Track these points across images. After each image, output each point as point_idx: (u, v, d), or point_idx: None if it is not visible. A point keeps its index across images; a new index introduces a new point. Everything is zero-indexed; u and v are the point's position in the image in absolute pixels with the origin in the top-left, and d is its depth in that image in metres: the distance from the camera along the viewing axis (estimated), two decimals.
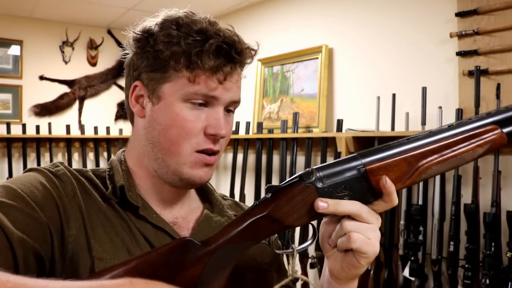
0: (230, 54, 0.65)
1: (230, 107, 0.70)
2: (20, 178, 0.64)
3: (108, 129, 3.61)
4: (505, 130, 0.61)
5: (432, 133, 0.61)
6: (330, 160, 2.39)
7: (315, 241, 0.63)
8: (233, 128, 2.94)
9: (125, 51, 0.73)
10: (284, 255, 0.65)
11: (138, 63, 0.69)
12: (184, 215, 0.74)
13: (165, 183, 0.70)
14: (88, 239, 0.63)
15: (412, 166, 0.59)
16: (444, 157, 0.60)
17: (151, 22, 0.69)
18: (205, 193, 0.80)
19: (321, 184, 0.59)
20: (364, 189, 0.59)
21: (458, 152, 0.60)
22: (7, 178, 3.18)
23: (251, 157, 2.89)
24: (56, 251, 0.60)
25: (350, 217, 0.60)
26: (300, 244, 0.64)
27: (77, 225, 0.63)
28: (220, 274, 0.58)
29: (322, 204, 0.59)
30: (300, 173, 0.61)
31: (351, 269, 0.61)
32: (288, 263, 0.63)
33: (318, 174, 0.59)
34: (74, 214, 0.64)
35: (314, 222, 0.63)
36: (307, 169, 0.61)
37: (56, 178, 0.65)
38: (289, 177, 2.39)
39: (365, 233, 0.59)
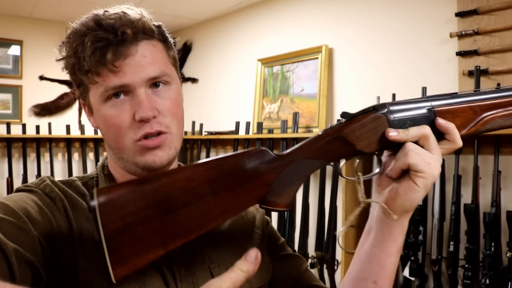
0: (108, 40, 0.63)
1: (156, 82, 0.67)
2: (12, 197, 0.65)
3: None
4: None
5: (498, 90, 0.66)
6: None
7: (381, 171, 0.65)
8: (233, 128, 2.94)
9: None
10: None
11: (72, 83, 0.72)
12: None
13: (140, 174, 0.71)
14: (76, 251, 0.64)
15: (478, 115, 0.64)
16: (508, 111, 0.64)
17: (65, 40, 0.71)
18: None
19: (392, 116, 0.63)
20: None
21: None
22: (7, 178, 3.19)
23: None
24: (47, 264, 0.61)
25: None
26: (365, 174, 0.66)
27: (68, 239, 0.64)
28: (290, 187, 0.60)
29: (393, 133, 0.62)
30: (374, 104, 0.64)
31: (408, 193, 0.62)
32: (357, 191, 0.65)
33: (390, 108, 0.63)
34: (65, 227, 0.65)
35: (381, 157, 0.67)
36: (382, 102, 0.64)
37: (46, 195, 0.67)
38: None
39: (425, 156, 0.61)
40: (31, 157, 3.38)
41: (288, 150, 0.62)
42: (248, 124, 2.84)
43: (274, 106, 2.88)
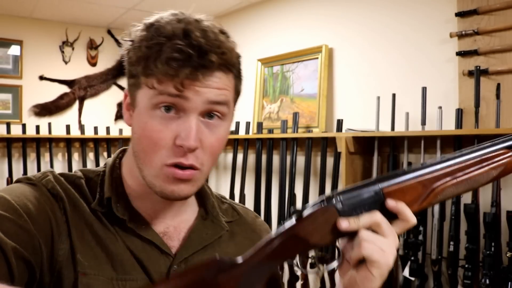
0: (190, 58, 0.58)
1: (213, 112, 0.62)
2: (14, 189, 0.63)
3: (108, 129, 3.61)
4: None
5: (445, 159, 0.65)
6: (329, 160, 2.40)
7: (340, 261, 0.65)
8: (233, 128, 2.94)
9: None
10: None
11: (125, 70, 0.67)
12: (176, 224, 0.71)
13: (152, 192, 0.66)
14: (74, 253, 0.62)
15: (427, 188, 0.63)
16: (458, 179, 0.63)
17: (139, 26, 0.66)
18: (201, 197, 0.76)
19: (341, 206, 0.62)
20: (381, 211, 0.64)
21: (471, 175, 0.64)
22: (7, 178, 3.19)
23: (251, 157, 2.89)
24: (45, 264, 0.60)
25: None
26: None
27: (66, 239, 0.63)
28: None
29: (344, 224, 0.61)
30: (322, 196, 0.64)
31: (365, 282, 0.61)
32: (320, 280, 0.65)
33: (339, 197, 0.63)
34: (64, 227, 0.63)
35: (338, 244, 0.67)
36: (329, 193, 0.64)
37: (48, 192, 0.64)
38: (289, 177, 2.38)
39: (379, 243, 0.60)
40: (31, 157, 3.38)
41: (244, 256, 0.62)
42: (248, 124, 2.84)
43: (274, 106, 2.88)
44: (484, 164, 0.64)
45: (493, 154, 0.64)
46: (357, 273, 0.62)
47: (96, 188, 0.68)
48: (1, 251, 0.54)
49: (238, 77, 0.66)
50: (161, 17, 0.64)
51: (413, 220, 0.62)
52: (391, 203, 0.62)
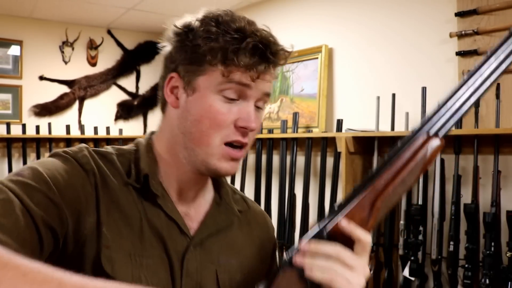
0: (265, 54, 0.67)
1: (259, 103, 0.72)
2: (47, 163, 0.66)
3: (108, 129, 3.61)
4: (432, 132, 0.66)
5: (371, 174, 0.64)
6: (329, 160, 2.40)
7: None
8: None
9: (163, 44, 0.76)
10: None
11: (176, 56, 0.72)
12: (196, 208, 0.76)
13: (191, 171, 0.72)
14: (100, 227, 0.66)
15: (367, 208, 0.62)
16: (386, 190, 0.62)
17: (192, 18, 0.72)
18: (217, 183, 0.81)
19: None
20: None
21: (399, 178, 0.62)
22: None
23: (251, 157, 2.89)
24: (70, 235, 0.63)
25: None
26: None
27: (94, 213, 0.66)
28: None
29: (308, 272, 0.58)
30: (288, 258, 0.63)
31: None
32: None
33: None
34: (93, 201, 0.66)
35: None
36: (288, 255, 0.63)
37: (80, 167, 0.67)
38: (289, 177, 2.37)
39: (349, 278, 0.58)
40: (31, 157, 3.38)
41: None
42: None
43: (274, 106, 2.88)
44: (406, 160, 0.63)
45: (411, 148, 0.64)
46: None
47: (129, 164, 0.72)
48: (32, 221, 0.58)
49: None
50: (221, 14, 0.70)
51: (363, 236, 0.60)
52: (344, 223, 0.60)
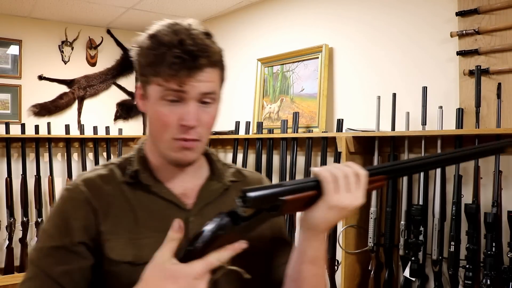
0: (185, 62, 0.77)
1: (205, 99, 0.81)
2: (51, 217, 0.84)
3: (107, 129, 3.60)
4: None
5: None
6: (330, 160, 2.39)
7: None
8: (233, 128, 2.94)
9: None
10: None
11: (136, 68, 0.86)
12: (192, 186, 0.89)
13: (166, 161, 0.86)
14: (99, 229, 0.81)
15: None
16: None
17: (145, 34, 0.84)
18: (209, 162, 0.95)
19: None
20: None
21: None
22: (6, 179, 3.18)
23: (251, 157, 2.88)
24: (89, 255, 0.81)
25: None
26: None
27: (93, 225, 0.81)
28: None
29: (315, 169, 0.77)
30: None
31: (311, 210, 0.76)
32: None
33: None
34: (91, 217, 0.82)
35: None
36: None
37: (75, 200, 0.83)
38: (289, 177, 2.36)
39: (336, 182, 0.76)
40: (30, 157, 3.38)
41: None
42: (248, 124, 2.83)
43: (274, 106, 2.88)
44: None
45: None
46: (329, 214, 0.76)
47: (127, 167, 0.88)
48: (51, 279, 0.78)
49: (221, 69, 0.85)
50: (159, 29, 0.82)
51: (359, 170, 0.76)
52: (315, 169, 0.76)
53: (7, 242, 3.11)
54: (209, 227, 0.70)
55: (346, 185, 0.75)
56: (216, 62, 0.82)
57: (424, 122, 1.98)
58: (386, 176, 0.81)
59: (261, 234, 0.87)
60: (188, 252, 0.69)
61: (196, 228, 0.79)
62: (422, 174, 1.97)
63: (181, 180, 0.89)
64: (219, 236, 0.70)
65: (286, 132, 2.57)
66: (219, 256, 0.69)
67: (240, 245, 0.71)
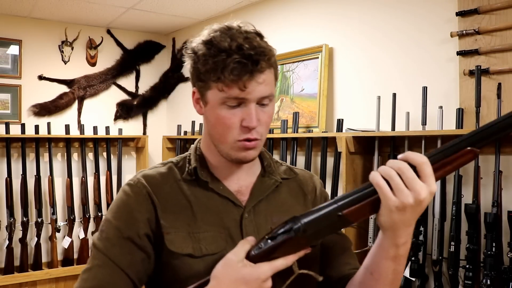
0: (246, 66, 0.80)
1: (263, 102, 0.85)
2: (113, 209, 0.89)
3: (107, 129, 3.60)
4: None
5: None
6: (330, 160, 2.39)
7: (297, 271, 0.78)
8: None
9: (185, 61, 0.92)
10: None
11: (192, 74, 0.89)
12: (247, 184, 0.94)
13: (225, 159, 0.90)
14: (159, 223, 0.86)
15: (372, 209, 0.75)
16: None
17: (198, 40, 0.87)
18: (262, 160, 0.98)
19: (305, 232, 0.74)
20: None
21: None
22: (6, 179, 3.18)
23: None
24: (150, 247, 0.87)
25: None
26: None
27: (153, 219, 0.86)
28: None
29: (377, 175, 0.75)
30: (289, 223, 0.76)
31: (379, 214, 0.74)
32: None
33: (303, 221, 0.75)
34: (152, 211, 0.87)
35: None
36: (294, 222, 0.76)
37: (138, 195, 0.88)
38: None
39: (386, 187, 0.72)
40: (30, 157, 3.38)
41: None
42: None
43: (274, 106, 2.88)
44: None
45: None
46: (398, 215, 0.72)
47: (185, 165, 0.94)
48: (122, 272, 0.83)
49: (276, 68, 0.89)
50: (214, 35, 0.84)
51: (420, 158, 0.71)
52: (400, 155, 0.73)
53: (7, 242, 3.11)
54: (281, 231, 0.75)
55: (404, 182, 0.70)
56: (273, 63, 0.85)
57: (424, 122, 1.98)
58: (457, 155, 0.71)
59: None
60: (257, 253, 0.76)
61: (249, 225, 0.89)
62: None
63: (237, 178, 0.93)
64: (288, 240, 0.74)
65: (286, 132, 2.57)
66: (286, 261, 0.75)
67: (306, 251, 0.76)
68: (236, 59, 0.79)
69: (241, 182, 0.94)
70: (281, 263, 0.75)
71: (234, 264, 0.75)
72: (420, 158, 0.70)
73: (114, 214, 0.88)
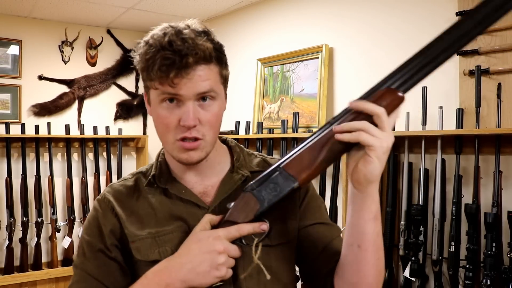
0: (174, 62, 0.77)
1: (204, 98, 0.82)
2: (86, 226, 0.92)
3: (107, 129, 3.60)
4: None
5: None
6: None
7: (267, 232, 0.80)
8: (233, 128, 2.94)
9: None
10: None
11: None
12: (213, 183, 0.92)
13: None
14: (124, 232, 0.88)
15: (315, 150, 0.77)
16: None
17: (142, 40, 0.85)
18: (231, 154, 0.96)
19: (256, 189, 0.79)
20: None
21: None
22: (6, 179, 3.18)
23: None
24: (122, 251, 0.89)
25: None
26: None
27: (118, 230, 0.88)
28: None
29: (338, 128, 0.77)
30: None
31: (367, 166, 0.73)
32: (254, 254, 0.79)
33: (252, 184, 0.80)
34: (116, 223, 0.89)
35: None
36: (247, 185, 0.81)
37: (103, 209, 0.91)
38: None
39: (369, 130, 0.75)
40: (30, 157, 3.38)
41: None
42: (248, 124, 2.83)
43: (274, 106, 2.88)
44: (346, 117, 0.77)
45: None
46: (360, 161, 0.74)
47: (149, 176, 0.93)
48: (97, 281, 0.87)
49: (220, 65, 0.85)
50: (153, 33, 0.82)
51: (378, 109, 0.79)
52: (352, 104, 0.78)
53: (7, 242, 3.11)
54: (231, 205, 0.80)
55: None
56: (210, 58, 0.81)
57: (424, 122, 1.98)
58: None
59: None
60: (218, 222, 0.81)
61: None
62: (422, 174, 1.97)
63: (201, 179, 0.91)
64: (240, 199, 0.79)
65: (286, 132, 2.57)
66: (239, 228, 0.77)
67: (261, 226, 0.78)
68: (164, 55, 0.77)
69: (206, 182, 0.91)
70: (234, 229, 0.77)
71: (194, 232, 0.80)
72: (375, 108, 0.77)
73: (86, 230, 0.91)
